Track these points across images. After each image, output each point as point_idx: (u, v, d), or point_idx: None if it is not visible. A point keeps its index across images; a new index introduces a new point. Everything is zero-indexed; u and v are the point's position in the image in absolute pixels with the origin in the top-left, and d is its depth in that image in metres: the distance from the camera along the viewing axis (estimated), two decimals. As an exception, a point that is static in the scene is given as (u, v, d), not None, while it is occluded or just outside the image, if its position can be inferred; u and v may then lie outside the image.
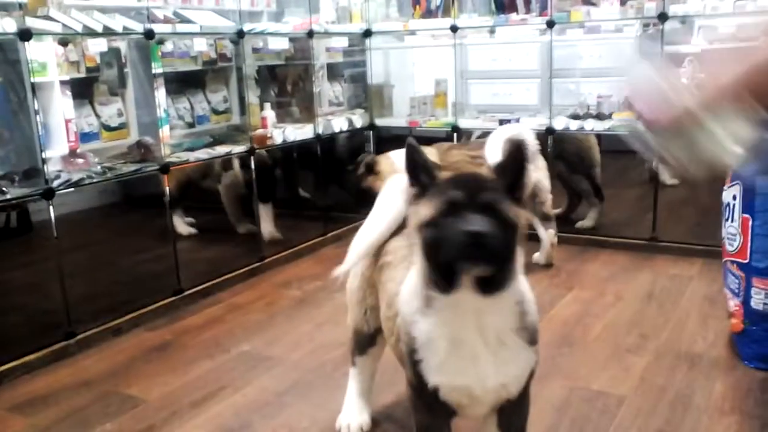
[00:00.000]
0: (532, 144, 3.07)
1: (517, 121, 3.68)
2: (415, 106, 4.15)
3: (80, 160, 2.69)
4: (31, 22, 2.40)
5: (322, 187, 3.92)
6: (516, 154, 1.32)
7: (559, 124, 3.54)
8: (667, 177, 3.86)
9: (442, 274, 1.26)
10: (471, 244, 1.19)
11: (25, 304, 2.96)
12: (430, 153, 3.39)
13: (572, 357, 2.36)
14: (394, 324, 1.55)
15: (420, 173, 1.34)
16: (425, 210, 1.28)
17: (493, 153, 3.00)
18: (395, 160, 3.34)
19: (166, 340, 2.64)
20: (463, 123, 3.80)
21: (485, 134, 3.41)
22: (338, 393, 2.14)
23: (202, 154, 3.15)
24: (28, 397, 2.23)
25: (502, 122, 3.65)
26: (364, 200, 3.29)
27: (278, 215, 3.75)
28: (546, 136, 3.56)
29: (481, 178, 1.33)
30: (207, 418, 2.06)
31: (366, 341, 1.87)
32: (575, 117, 3.57)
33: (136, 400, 2.19)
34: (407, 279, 1.47)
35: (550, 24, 3.47)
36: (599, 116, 3.52)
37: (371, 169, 3.38)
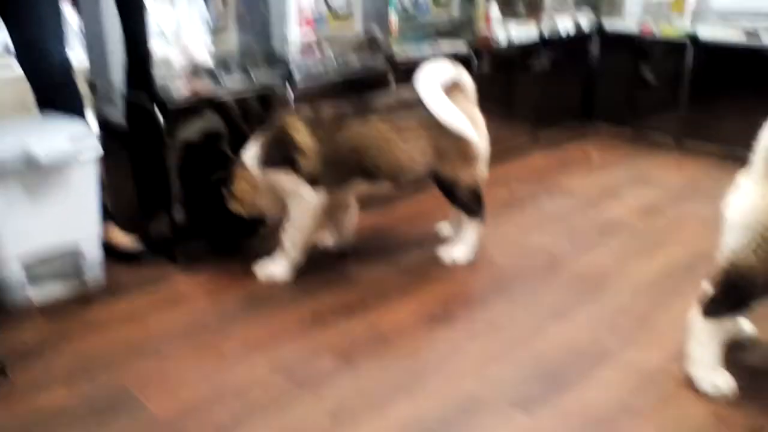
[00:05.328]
0: (470, 83, 2.47)
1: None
2: (649, 9, 3.84)
3: (317, 52, 2.81)
4: None
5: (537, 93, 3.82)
6: None
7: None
8: None
9: None
10: None
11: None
12: (299, 129, 2.30)
13: None
14: None
15: None
16: None
17: (438, 103, 2.34)
18: (251, 167, 2.35)
19: (380, 226, 2.82)
20: (703, 32, 3.46)
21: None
22: (538, 298, 2.21)
23: (427, 50, 3.16)
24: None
25: (749, 35, 3.29)
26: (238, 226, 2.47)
27: (488, 114, 3.74)
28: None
29: None
30: (414, 304, 2.22)
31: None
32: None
33: (351, 276, 2.40)
34: None
35: None
36: None
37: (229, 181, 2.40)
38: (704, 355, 1.73)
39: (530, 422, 1.67)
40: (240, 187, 2.38)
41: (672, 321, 2.07)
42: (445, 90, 2.36)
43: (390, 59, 2.92)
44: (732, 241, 1.64)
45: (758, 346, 1.94)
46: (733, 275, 1.64)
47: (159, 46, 2.48)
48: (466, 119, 2.35)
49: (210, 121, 2.59)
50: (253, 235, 2.56)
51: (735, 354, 1.87)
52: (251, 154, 2.36)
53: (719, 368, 1.74)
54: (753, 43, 3.34)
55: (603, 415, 1.68)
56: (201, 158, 2.52)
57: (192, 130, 2.56)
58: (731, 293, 1.66)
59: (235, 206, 2.41)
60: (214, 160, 2.49)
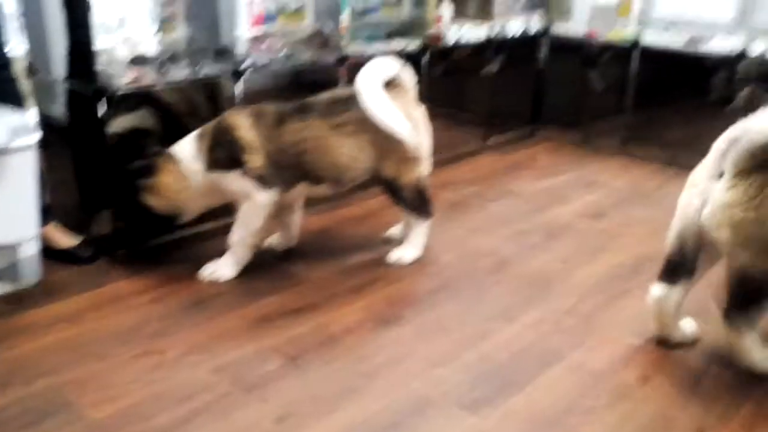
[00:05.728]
0: (411, 81, 2.43)
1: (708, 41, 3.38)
2: (596, 14, 3.91)
3: (265, 45, 2.78)
4: None
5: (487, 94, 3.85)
6: None
7: (760, 47, 3.20)
8: None
9: None
10: None
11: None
12: (243, 127, 2.25)
13: None
14: None
15: None
16: None
17: (374, 102, 2.27)
18: (186, 165, 2.27)
19: (326, 227, 2.78)
20: (648, 38, 3.54)
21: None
22: (486, 300, 2.22)
23: (379, 48, 3.14)
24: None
25: (692, 40, 3.37)
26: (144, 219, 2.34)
27: (438, 116, 3.76)
28: (736, 62, 3.25)
29: None
30: (362, 305, 2.19)
31: None
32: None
33: (298, 277, 2.36)
34: None
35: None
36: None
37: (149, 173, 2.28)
38: (757, 349, 1.79)
39: (479, 423, 1.66)
40: (164, 180, 2.28)
41: (618, 322, 2.10)
42: (385, 88, 2.31)
43: (341, 56, 2.90)
44: (734, 258, 1.70)
45: (702, 346, 1.98)
46: (746, 281, 1.71)
47: (102, 35, 2.40)
48: (403, 118, 2.31)
49: (142, 118, 2.51)
50: (168, 232, 2.48)
51: (680, 355, 1.91)
52: (187, 150, 2.28)
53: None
54: (695, 49, 3.41)
55: (551, 416, 1.69)
56: (121, 151, 2.42)
57: (119, 124, 2.48)
58: (747, 295, 1.73)
59: (151, 200, 2.29)
60: (134, 155, 2.37)
